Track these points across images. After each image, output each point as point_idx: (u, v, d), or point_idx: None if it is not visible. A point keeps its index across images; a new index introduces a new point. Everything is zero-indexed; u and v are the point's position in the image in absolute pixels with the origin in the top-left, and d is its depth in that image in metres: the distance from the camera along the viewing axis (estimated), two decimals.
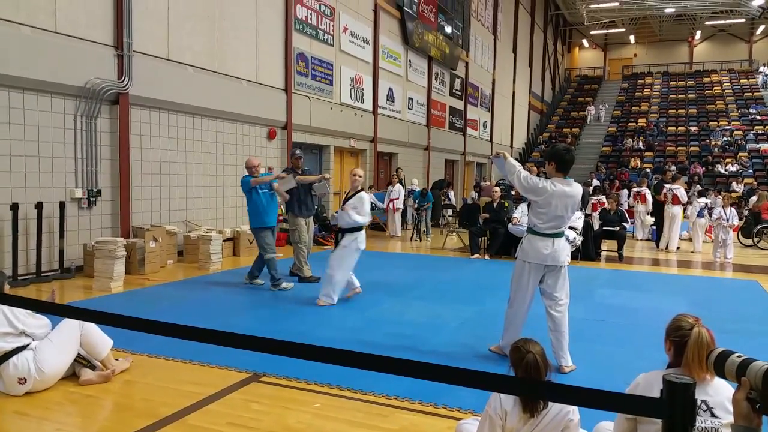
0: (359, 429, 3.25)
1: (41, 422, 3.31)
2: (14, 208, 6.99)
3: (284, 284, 7.10)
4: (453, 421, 3.29)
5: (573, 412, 2.58)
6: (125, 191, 8.53)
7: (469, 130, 23.87)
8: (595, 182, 18.05)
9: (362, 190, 6.50)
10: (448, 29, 20.38)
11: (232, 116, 10.69)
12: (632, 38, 39.20)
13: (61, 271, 7.55)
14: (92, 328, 3.87)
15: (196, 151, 9.96)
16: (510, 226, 10.26)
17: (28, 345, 3.66)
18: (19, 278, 6.99)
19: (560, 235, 4.33)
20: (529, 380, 2.51)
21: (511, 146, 29.84)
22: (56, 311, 3.13)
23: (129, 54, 8.38)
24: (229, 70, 10.56)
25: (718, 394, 2.39)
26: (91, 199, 8.10)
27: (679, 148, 28.16)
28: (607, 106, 33.09)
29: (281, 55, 12.00)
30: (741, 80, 33.85)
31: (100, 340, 3.89)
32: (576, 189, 4.31)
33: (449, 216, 15.67)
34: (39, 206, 7.25)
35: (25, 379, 3.57)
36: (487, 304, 6.53)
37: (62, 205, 7.56)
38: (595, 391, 1.26)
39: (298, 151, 7.97)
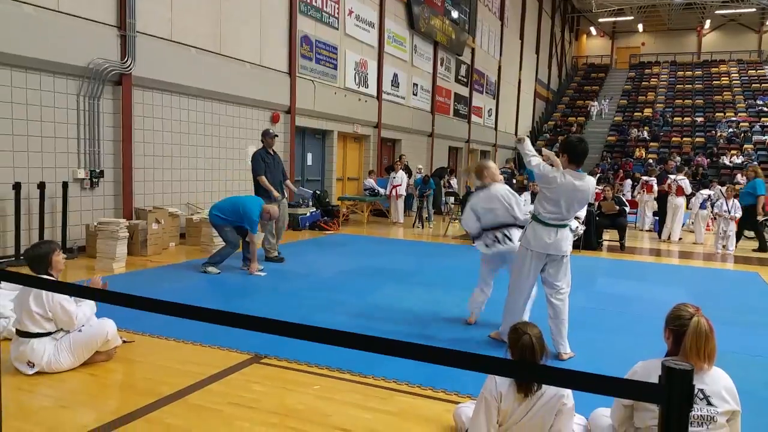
0: (358, 411, 3.28)
1: (44, 399, 3.34)
2: (17, 187, 6.99)
3: (210, 269, 6.96)
4: (451, 404, 3.32)
5: (567, 396, 2.60)
6: (128, 173, 8.54)
7: (473, 118, 23.76)
8: (598, 174, 18.00)
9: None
10: (455, 14, 20.21)
11: (235, 99, 10.66)
12: (640, 27, 38.83)
13: (64, 251, 7.59)
14: (114, 331, 3.88)
15: (199, 133, 9.94)
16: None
17: (51, 333, 3.69)
18: (21, 257, 7.03)
19: (564, 226, 4.29)
20: (525, 362, 2.56)
21: (516, 134, 29.72)
22: (60, 289, 3.16)
23: (132, 35, 8.34)
24: (233, 52, 10.50)
25: (715, 383, 2.42)
26: (94, 179, 8.11)
27: (684, 138, 28.02)
28: (609, 100, 32.68)
29: (285, 37, 11.93)
30: (749, 71, 33.55)
31: (113, 337, 3.90)
32: (587, 183, 4.20)
33: (452, 203, 15.66)
34: (41, 186, 7.27)
35: (34, 364, 3.61)
36: (492, 292, 6.53)
37: (65, 185, 7.57)
38: (593, 375, 1.26)
39: (271, 131, 7.95)
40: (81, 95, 7.89)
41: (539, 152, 4.55)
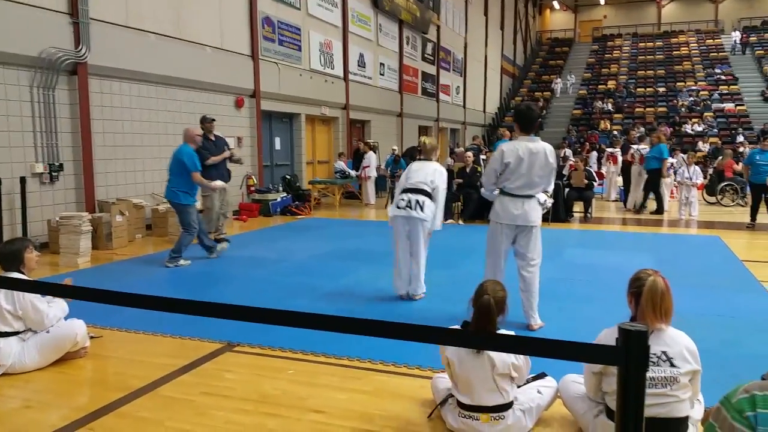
0: (334, 392, 3.28)
1: (9, 400, 3.25)
2: None
3: (182, 262, 6.77)
4: (426, 380, 3.34)
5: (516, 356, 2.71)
6: (88, 165, 8.30)
7: (442, 96, 23.74)
8: (567, 151, 18.12)
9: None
10: None
11: (197, 84, 10.41)
12: (602, 0, 39.14)
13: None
14: (83, 332, 3.79)
15: (161, 121, 9.70)
16: (482, 190, 10.31)
17: (19, 333, 3.59)
18: None
19: (531, 196, 4.34)
20: (485, 326, 2.70)
21: (484, 111, 29.85)
22: (24, 287, 3.07)
23: (86, 21, 8.05)
24: (192, 36, 10.23)
25: (677, 344, 2.49)
26: (53, 173, 7.87)
27: (647, 109, 28.51)
28: (574, 77, 32.73)
29: (246, 19, 11.67)
30: (707, 41, 34.18)
31: (82, 339, 3.80)
32: (541, 145, 4.29)
33: None
34: None
35: (0, 366, 3.51)
36: (460, 268, 6.59)
37: (23, 180, 7.33)
38: (554, 341, 1.28)
39: (209, 116, 8.03)
40: (34, 86, 7.60)
41: (499, 137, 4.82)
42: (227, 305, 1.68)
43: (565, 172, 12.79)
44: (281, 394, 3.27)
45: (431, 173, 5.19)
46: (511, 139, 4.75)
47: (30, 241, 3.83)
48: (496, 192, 4.49)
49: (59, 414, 3.05)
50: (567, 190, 11.15)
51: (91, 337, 4.01)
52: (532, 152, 4.23)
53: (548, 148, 4.33)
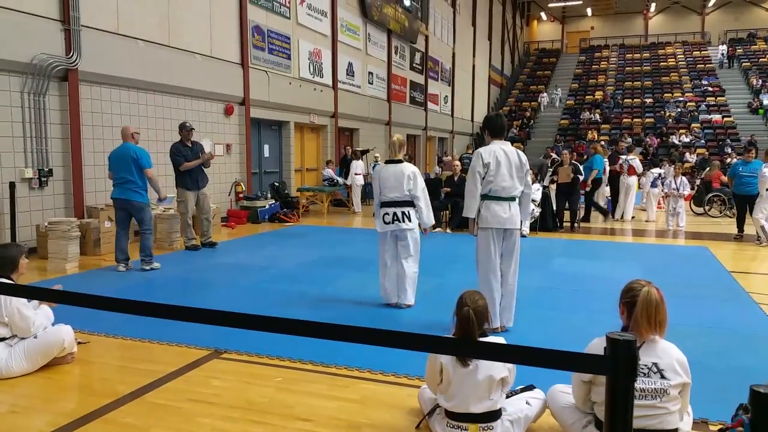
0: (321, 400, 3.30)
1: None
2: None
3: (155, 264, 6.88)
4: (414, 389, 3.36)
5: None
6: (77, 170, 8.28)
7: (430, 105, 23.87)
8: (555, 156, 18.30)
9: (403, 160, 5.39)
10: (407, 2, 20.18)
11: (187, 92, 10.42)
12: (589, 11, 39.61)
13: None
14: (71, 338, 3.79)
15: (151, 128, 9.69)
16: (465, 203, 10.34)
17: (6, 339, 3.59)
18: None
19: (514, 198, 4.54)
20: (468, 337, 2.68)
21: (472, 120, 30.03)
22: (10, 292, 3.08)
23: (77, 28, 8.05)
24: (183, 44, 10.26)
25: (668, 356, 2.49)
26: (43, 179, 7.85)
27: (635, 119, 28.85)
28: (560, 90, 32.80)
29: (236, 28, 11.71)
30: (694, 52, 34.71)
31: (70, 344, 3.80)
32: (511, 148, 4.55)
33: None
34: None
35: None
36: (447, 277, 6.62)
37: (12, 185, 7.32)
38: (544, 350, 1.28)
39: (188, 124, 8.24)
40: (25, 92, 7.59)
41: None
42: (215, 311, 1.70)
43: (547, 183, 12.90)
44: (268, 401, 3.28)
45: (405, 182, 5.17)
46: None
47: (24, 247, 3.84)
48: (477, 201, 4.55)
49: (45, 420, 3.05)
50: (555, 184, 11.16)
51: (79, 343, 4.01)
52: (507, 153, 4.49)
53: (519, 151, 4.61)
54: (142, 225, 6.83)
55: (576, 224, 11.12)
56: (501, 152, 4.47)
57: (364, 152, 15.44)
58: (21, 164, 7.60)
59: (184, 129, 8.16)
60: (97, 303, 1.93)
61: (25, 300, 3.60)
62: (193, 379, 3.60)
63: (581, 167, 11.54)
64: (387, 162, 5.36)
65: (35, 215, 7.79)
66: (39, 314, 3.72)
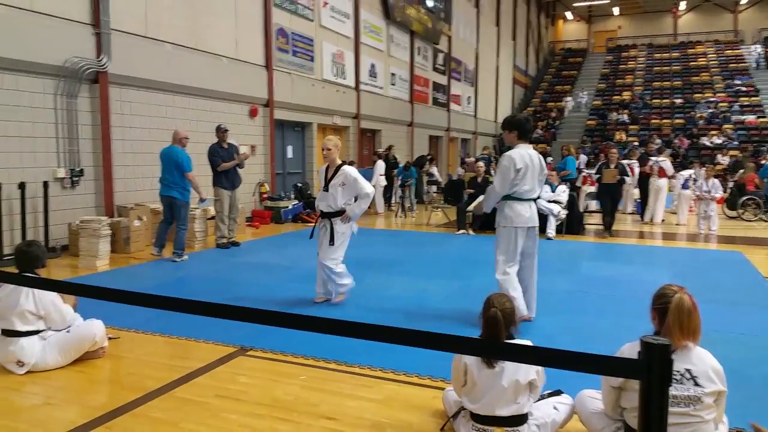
0: (345, 399, 3.32)
1: (32, 397, 3.35)
2: None
3: (185, 256, 7.48)
4: (438, 390, 3.35)
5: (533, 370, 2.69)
6: (107, 170, 8.47)
7: (452, 106, 23.80)
8: (583, 157, 18.12)
9: (345, 163, 5.45)
10: (430, 3, 20.17)
11: (212, 94, 10.58)
12: (616, 10, 39.01)
13: (48, 250, 7.50)
14: (102, 333, 3.89)
15: (179, 128, 9.82)
16: (487, 202, 10.23)
17: (41, 332, 3.69)
18: (4, 258, 6.96)
19: (534, 200, 4.76)
20: (494, 339, 2.67)
21: (495, 121, 29.83)
22: (49, 286, 3.18)
23: (107, 32, 8.24)
24: (209, 46, 10.41)
25: (702, 363, 2.42)
26: (74, 178, 8.05)
27: (664, 120, 28.30)
28: (586, 94, 31.99)
29: (261, 31, 11.84)
30: (726, 51, 33.82)
31: (101, 339, 3.90)
32: (535, 153, 4.75)
33: (434, 192, 15.72)
34: (22, 186, 7.22)
35: (24, 363, 3.61)
36: (472, 279, 6.58)
37: (45, 184, 7.52)
38: (575, 353, 1.25)
39: (222, 126, 8.49)
40: (58, 94, 7.79)
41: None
42: (242, 308, 1.73)
43: (578, 184, 12.77)
44: (293, 399, 3.31)
45: (339, 194, 5.20)
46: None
47: (44, 250, 3.98)
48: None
49: (78, 412, 3.14)
50: (597, 185, 10.92)
51: (110, 338, 4.10)
52: (532, 158, 4.67)
53: (539, 154, 4.83)
54: (179, 221, 7.44)
55: (610, 232, 10.45)
56: (528, 157, 4.64)
57: (390, 148, 15.46)
58: (54, 164, 7.80)
59: (219, 131, 8.40)
60: (128, 299, 1.97)
61: (56, 294, 3.71)
62: (220, 376, 3.65)
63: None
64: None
65: (67, 214, 7.99)
66: (69, 308, 3.82)
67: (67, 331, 3.75)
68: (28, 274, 3.62)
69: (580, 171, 13.52)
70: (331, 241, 5.21)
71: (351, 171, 5.27)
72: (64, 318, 3.74)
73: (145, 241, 8.37)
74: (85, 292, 2.13)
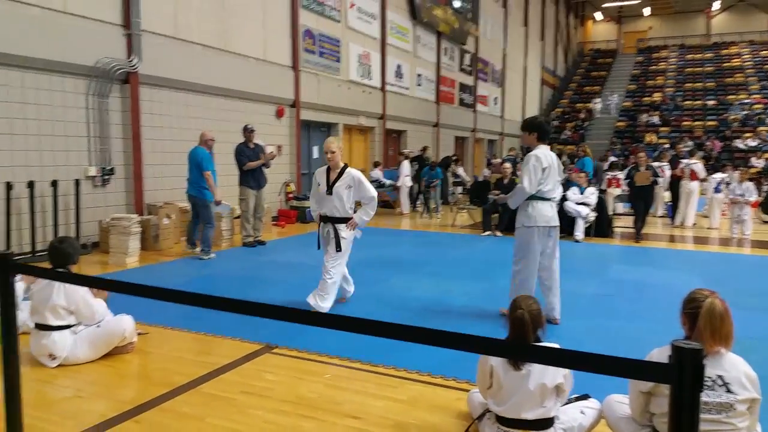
0: (369, 399, 3.32)
1: (63, 390, 3.43)
2: (31, 186, 7.12)
3: (212, 254, 7.62)
4: (463, 392, 3.33)
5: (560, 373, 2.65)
6: (138, 169, 8.62)
7: (479, 107, 23.65)
8: (612, 158, 17.81)
9: (347, 166, 5.19)
10: (457, 3, 20.07)
11: (240, 94, 10.70)
12: (647, 10, 38.32)
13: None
14: (132, 328, 3.96)
15: (206, 129, 9.96)
16: (515, 198, 10.13)
17: (72, 326, 3.77)
18: (37, 254, 7.14)
19: (555, 199, 4.89)
20: (522, 341, 2.63)
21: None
22: (80, 281, 3.24)
23: (137, 33, 8.39)
24: (237, 47, 10.53)
25: (735, 369, 2.35)
26: (105, 177, 8.22)
27: (696, 122, 27.69)
28: (616, 96, 31.25)
29: (288, 32, 11.93)
30: (762, 52, 32.92)
31: (130, 334, 3.97)
32: (554, 154, 4.84)
33: (459, 193, 15.63)
34: (54, 184, 7.40)
35: (55, 357, 3.69)
36: (497, 280, 6.49)
37: (77, 182, 7.69)
38: (604, 356, 1.25)
39: (249, 126, 8.63)
40: (90, 94, 7.96)
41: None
42: (268, 305, 1.73)
43: (604, 187, 12.56)
44: (318, 397, 3.32)
45: (345, 197, 5.01)
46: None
47: (77, 247, 4.05)
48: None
49: (107, 405, 3.19)
50: (629, 189, 10.67)
51: (139, 334, 4.17)
52: (553, 159, 4.77)
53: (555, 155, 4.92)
54: (203, 220, 7.61)
55: (641, 235, 10.19)
56: (550, 157, 4.73)
57: (425, 149, 15.39)
58: (85, 163, 7.98)
59: (246, 131, 8.55)
60: (157, 295, 2.00)
61: (87, 289, 3.79)
62: (247, 372, 3.68)
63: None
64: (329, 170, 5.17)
65: (98, 211, 8.16)
66: (100, 303, 3.90)
67: (98, 326, 3.82)
68: (60, 270, 3.70)
69: (596, 173, 13.26)
70: (338, 248, 5.03)
71: (356, 173, 5.10)
72: (94, 314, 3.82)
73: (174, 239, 8.51)
74: (116, 288, 2.17)
